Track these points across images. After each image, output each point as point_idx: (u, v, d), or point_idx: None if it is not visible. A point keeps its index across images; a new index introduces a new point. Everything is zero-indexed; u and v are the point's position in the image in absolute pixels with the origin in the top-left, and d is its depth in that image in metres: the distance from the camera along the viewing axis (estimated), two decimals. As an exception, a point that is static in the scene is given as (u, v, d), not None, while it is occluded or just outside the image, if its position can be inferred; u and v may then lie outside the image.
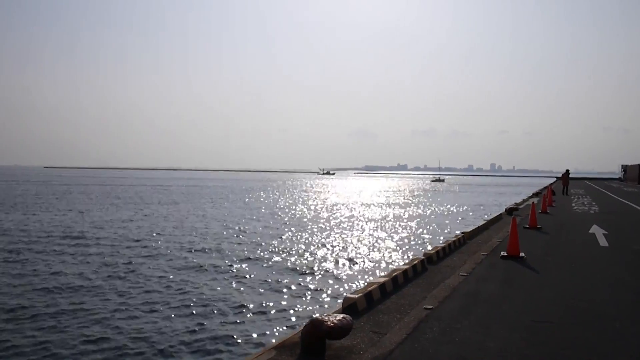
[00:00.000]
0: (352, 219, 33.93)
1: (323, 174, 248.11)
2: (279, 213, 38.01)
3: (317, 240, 23.09)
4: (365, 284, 6.94)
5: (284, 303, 12.43)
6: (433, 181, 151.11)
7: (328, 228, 28.37)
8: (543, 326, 5.15)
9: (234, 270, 16.20)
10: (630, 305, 6.08)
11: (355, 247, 21.16)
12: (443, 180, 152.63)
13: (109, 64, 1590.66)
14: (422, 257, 8.69)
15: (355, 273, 16.05)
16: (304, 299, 12.89)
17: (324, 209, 42.53)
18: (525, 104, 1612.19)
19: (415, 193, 78.15)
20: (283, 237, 24.22)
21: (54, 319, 10.91)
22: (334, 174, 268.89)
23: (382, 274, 9.09)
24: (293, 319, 11.18)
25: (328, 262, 17.82)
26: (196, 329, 10.40)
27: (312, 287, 14.12)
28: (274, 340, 8.97)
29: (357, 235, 25.14)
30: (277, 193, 70.93)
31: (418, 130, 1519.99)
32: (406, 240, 23.71)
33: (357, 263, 17.68)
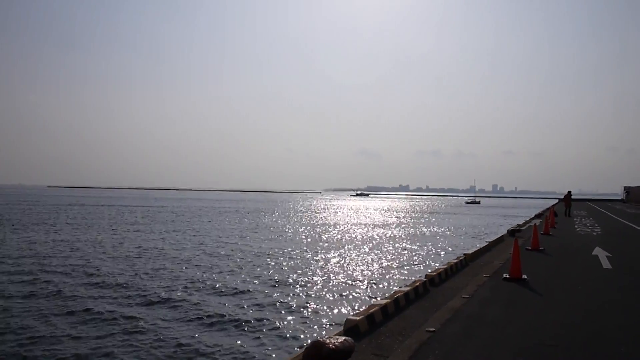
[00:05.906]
0: (361, 240, 33.81)
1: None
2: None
3: (321, 261, 22.97)
4: (367, 305, 6.89)
5: (285, 325, 12.31)
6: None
7: (335, 248, 28.25)
8: (547, 350, 5.09)
9: (234, 291, 16.09)
10: (636, 328, 6.01)
11: (358, 268, 21.03)
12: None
13: (113, 83, 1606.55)
14: (424, 279, 8.64)
15: (357, 294, 15.92)
16: (305, 320, 12.77)
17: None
18: (532, 124, 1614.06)
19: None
20: (289, 257, 24.11)
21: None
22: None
23: (384, 295, 9.02)
24: (294, 341, 11.06)
25: (330, 283, 17.70)
26: (196, 350, 10.28)
27: (313, 308, 14.01)
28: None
29: (360, 256, 25.01)
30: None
31: (423, 150, 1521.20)
32: (408, 261, 23.57)
33: (359, 284, 17.56)
